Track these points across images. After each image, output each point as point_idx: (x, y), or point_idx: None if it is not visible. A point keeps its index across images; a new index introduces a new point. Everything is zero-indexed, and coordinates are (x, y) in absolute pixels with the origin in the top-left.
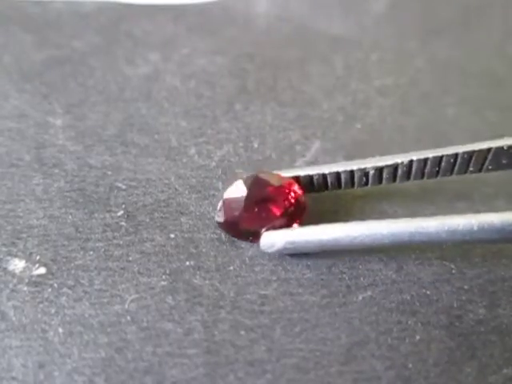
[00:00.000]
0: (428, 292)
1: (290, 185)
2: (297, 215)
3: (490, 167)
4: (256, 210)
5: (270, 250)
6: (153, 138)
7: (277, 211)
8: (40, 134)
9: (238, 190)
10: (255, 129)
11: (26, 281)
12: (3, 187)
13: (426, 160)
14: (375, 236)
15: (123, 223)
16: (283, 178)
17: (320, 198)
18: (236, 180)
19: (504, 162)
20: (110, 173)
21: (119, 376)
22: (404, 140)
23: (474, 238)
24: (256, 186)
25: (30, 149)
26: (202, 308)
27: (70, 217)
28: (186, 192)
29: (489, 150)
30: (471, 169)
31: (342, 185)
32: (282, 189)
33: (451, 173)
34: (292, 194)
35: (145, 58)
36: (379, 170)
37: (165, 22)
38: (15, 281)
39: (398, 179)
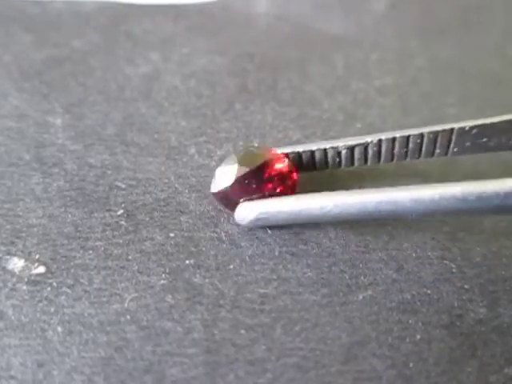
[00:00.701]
0: (429, 291)
1: (281, 159)
2: (287, 188)
3: (455, 150)
4: (246, 181)
5: (243, 223)
6: (153, 137)
7: (268, 183)
8: (40, 133)
9: (229, 163)
10: (255, 128)
11: (26, 280)
12: (3, 186)
13: (393, 140)
14: (343, 206)
15: (123, 222)
16: (274, 152)
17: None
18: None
19: (467, 144)
20: (109, 172)
21: (119, 375)
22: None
23: (438, 208)
24: (247, 159)
25: (29, 148)
26: (202, 307)
27: (70, 216)
28: (186, 191)
29: (452, 130)
30: (438, 151)
31: (316, 164)
32: (273, 161)
33: (419, 155)
34: (283, 167)
35: (145, 57)
36: (351, 149)
37: (165, 22)
38: (14, 280)
39: (368, 161)
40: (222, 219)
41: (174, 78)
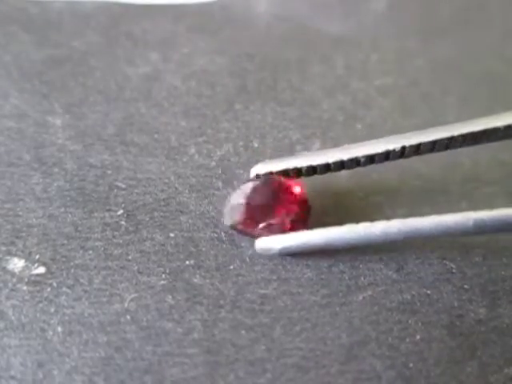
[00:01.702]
0: (428, 291)
1: (292, 187)
2: (301, 218)
3: None
4: (258, 214)
5: (266, 254)
6: (153, 137)
7: (280, 215)
8: (39, 133)
9: (240, 195)
10: (255, 128)
11: (26, 280)
12: (2, 186)
13: (419, 146)
14: (370, 237)
15: (123, 222)
16: (285, 181)
17: (320, 197)
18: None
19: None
20: (109, 172)
21: (119, 375)
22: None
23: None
24: (258, 191)
25: (29, 148)
26: (202, 307)
27: (70, 216)
28: (186, 191)
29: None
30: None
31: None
32: (286, 193)
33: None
34: (295, 196)
35: (145, 57)
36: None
37: (165, 22)
38: (14, 280)
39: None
40: (222, 219)
41: (174, 78)
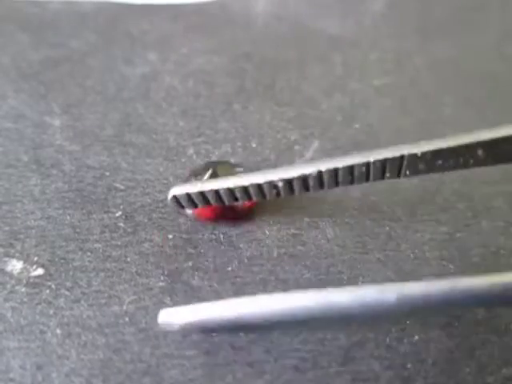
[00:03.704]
0: None
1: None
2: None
3: (407, 173)
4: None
5: (169, 329)
6: (151, 138)
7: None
8: (38, 134)
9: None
10: (253, 128)
11: (24, 282)
12: (0, 188)
13: (336, 170)
14: (281, 312)
15: (121, 224)
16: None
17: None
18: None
19: (421, 167)
20: (107, 173)
21: (117, 377)
22: (403, 140)
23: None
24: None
25: (27, 149)
26: None
27: (68, 217)
28: None
29: (402, 157)
30: (388, 174)
31: (253, 196)
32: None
33: (367, 179)
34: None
35: (143, 57)
36: (288, 182)
37: (163, 22)
38: (13, 282)
39: (310, 189)
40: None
41: (172, 78)
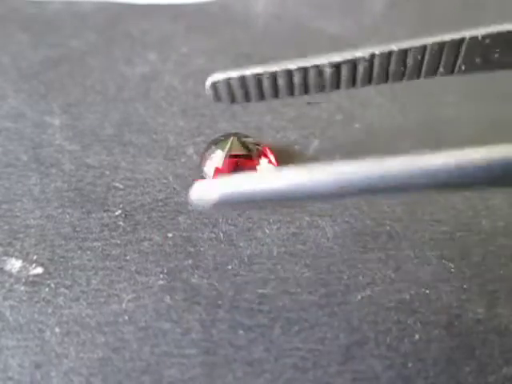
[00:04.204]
0: (427, 291)
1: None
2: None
3: (462, 67)
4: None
5: (202, 205)
6: (151, 137)
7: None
8: (37, 133)
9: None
10: (253, 128)
11: (23, 281)
12: (0, 187)
13: (389, 54)
14: (322, 182)
15: (121, 223)
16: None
17: None
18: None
19: (477, 60)
20: (107, 172)
21: (116, 376)
22: (403, 140)
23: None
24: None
25: (27, 148)
26: (200, 307)
27: (68, 216)
28: (184, 191)
29: (462, 39)
30: (441, 69)
31: (295, 88)
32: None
33: (419, 74)
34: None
35: (143, 57)
36: (336, 67)
37: (163, 22)
38: (12, 280)
39: (358, 82)
40: (220, 219)
41: (173, 78)
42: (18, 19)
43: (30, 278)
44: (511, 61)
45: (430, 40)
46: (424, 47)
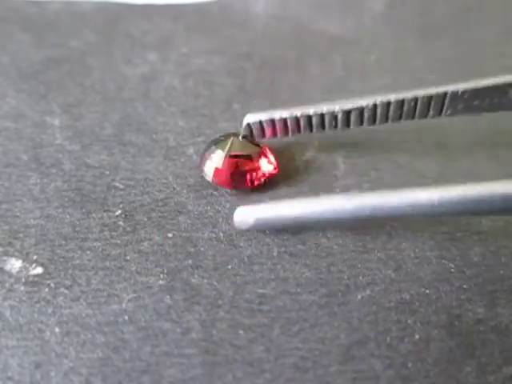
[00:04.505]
0: (427, 291)
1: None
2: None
3: (448, 112)
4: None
5: (243, 227)
6: (151, 137)
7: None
8: (37, 133)
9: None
10: None
11: (23, 281)
12: (0, 187)
13: (388, 103)
14: (342, 211)
15: (121, 223)
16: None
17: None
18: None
19: (460, 107)
20: (107, 172)
21: (116, 376)
22: (403, 140)
23: (437, 211)
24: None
25: (27, 148)
26: (200, 307)
27: (68, 216)
28: (184, 191)
29: (445, 93)
30: (431, 113)
31: (314, 128)
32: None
33: (413, 116)
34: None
35: (143, 57)
36: (347, 113)
37: (163, 22)
38: (12, 280)
39: (365, 122)
40: (220, 219)
41: (172, 78)
42: (17, 19)
43: (30, 278)
44: (489, 107)
45: (420, 92)
46: (416, 98)
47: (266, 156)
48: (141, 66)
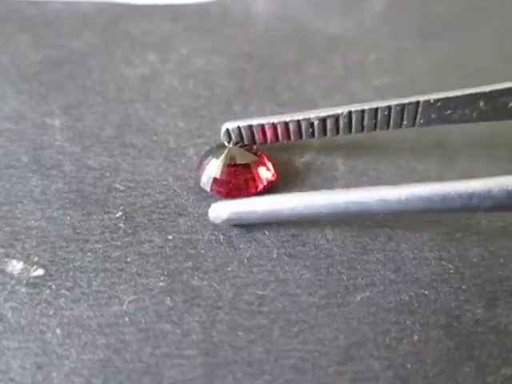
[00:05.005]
0: (426, 292)
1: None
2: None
3: (421, 121)
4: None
5: (217, 222)
6: (151, 138)
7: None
8: (38, 135)
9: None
10: None
11: (24, 282)
12: (1, 188)
13: (363, 111)
14: (313, 207)
15: (121, 224)
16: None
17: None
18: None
19: (433, 116)
20: (108, 174)
21: (117, 377)
22: (403, 140)
23: (404, 208)
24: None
25: (27, 150)
26: (200, 309)
27: (68, 218)
28: (185, 193)
29: (417, 102)
30: (405, 122)
31: (291, 136)
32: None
33: (387, 126)
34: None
35: (143, 58)
36: (323, 121)
37: (163, 22)
38: (13, 282)
39: (340, 131)
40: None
41: (172, 78)
42: (18, 19)
43: (31, 280)
44: (460, 118)
45: (393, 102)
46: (389, 107)
47: (264, 164)
48: (141, 67)
